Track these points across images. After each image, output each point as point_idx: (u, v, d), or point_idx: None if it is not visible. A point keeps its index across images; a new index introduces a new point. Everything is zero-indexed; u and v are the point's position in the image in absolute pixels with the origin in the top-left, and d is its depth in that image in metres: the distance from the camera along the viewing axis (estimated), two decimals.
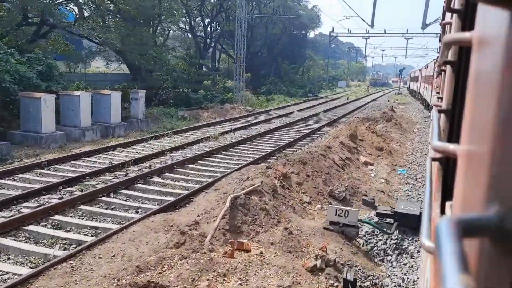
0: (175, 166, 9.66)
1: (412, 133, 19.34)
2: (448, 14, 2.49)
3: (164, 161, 10.40)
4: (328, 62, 54.84)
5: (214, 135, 14.42)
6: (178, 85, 35.56)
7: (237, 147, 12.98)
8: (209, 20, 45.78)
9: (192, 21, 47.54)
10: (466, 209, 0.65)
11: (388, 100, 40.54)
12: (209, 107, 23.77)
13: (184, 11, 42.73)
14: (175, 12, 46.81)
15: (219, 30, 50.85)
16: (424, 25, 21.78)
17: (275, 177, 7.63)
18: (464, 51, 1.57)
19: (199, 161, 10.62)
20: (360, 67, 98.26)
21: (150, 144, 12.96)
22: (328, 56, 54.29)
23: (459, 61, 1.69)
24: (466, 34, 0.90)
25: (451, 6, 1.95)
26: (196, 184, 8.78)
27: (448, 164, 1.60)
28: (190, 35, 46.12)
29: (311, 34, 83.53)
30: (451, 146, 1.01)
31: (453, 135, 1.62)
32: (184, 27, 49.12)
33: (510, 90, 0.40)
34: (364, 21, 23.06)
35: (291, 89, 40.97)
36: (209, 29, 47.27)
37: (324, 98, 41.91)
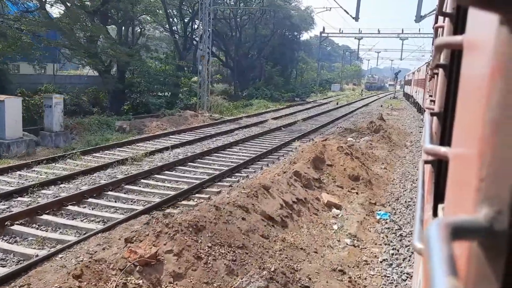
0: (8, 223, 5.91)
1: (403, 149, 15.64)
2: (440, 18, 2.37)
3: (7, 210, 6.67)
4: (319, 64, 51.18)
5: (137, 156, 10.69)
6: (152, 88, 31.94)
7: (153, 176, 9.22)
8: (189, 17, 41.97)
9: (178, 20, 43.87)
10: (457, 212, 0.65)
11: (381, 106, 36.92)
12: (167, 114, 20.06)
13: (162, 8, 39.36)
14: (158, 11, 43.51)
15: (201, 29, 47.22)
16: (419, 18, 18.30)
17: (120, 270, 3.93)
18: (456, 54, 1.55)
19: (67, 207, 6.88)
20: (355, 70, 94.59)
21: (33, 171, 9.19)
22: (319, 58, 50.63)
23: (451, 64, 1.69)
24: (457, 38, 0.91)
25: (443, 10, 2.00)
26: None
27: (440, 166, 1.58)
28: (172, 35, 42.36)
29: (306, 37, 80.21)
30: (442, 149, 1.03)
31: (445, 138, 1.63)
32: (167, 26, 45.46)
33: (497, 93, 0.41)
34: (347, 13, 19.53)
35: (275, 93, 37.26)
36: (190, 28, 43.54)
37: (311, 103, 38.27)
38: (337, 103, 37.31)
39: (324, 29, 49.11)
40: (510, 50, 0.38)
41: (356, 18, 19.98)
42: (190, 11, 41.91)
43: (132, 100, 28.85)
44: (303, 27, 61.18)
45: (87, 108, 24.15)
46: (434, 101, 2.40)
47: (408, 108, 34.78)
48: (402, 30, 45.82)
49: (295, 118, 23.09)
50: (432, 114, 2.02)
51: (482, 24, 0.51)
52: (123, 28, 43.21)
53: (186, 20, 41.79)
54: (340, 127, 19.78)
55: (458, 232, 0.41)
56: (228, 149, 13.04)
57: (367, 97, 51.86)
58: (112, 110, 25.60)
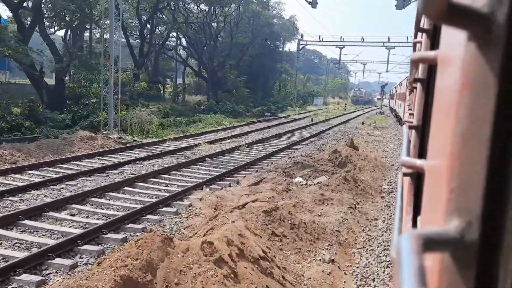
0: None
1: (376, 200, 9.77)
2: (419, 34, 2.48)
3: None
4: (296, 75, 45.47)
5: None
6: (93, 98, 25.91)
7: None
8: (148, 16, 35.97)
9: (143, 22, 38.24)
10: (430, 223, 0.65)
11: (363, 123, 31.26)
12: (52, 136, 14.07)
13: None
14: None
15: (166, 33, 41.32)
16: (401, 3, 12.83)
17: None
18: (433, 68, 1.57)
19: None
20: (341, 83, 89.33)
21: None
22: (297, 68, 44.89)
23: (428, 78, 1.71)
24: (431, 53, 0.91)
25: (420, 25, 2.02)
26: None
27: (419, 179, 1.59)
28: (126, 38, 36.32)
29: (292, 48, 74.82)
30: (418, 161, 1.04)
31: (423, 150, 1.63)
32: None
33: (465, 107, 0.42)
34: None
35: (239, 107, 31.40)
36: (150, 30, 37.64)
37: (282, 119, 32.47)
38: (312, 120, 31.56)
39: (302, 36, 43.67)
40: (476, 65, 0.39)
41: (314, 4, 14.43)
42: (149, 9, 36.02)
43: (73, 112, 23.04)
44: (285, 36, 55.98)
45: (17, 122, 18.28)
46: (413, 115, 2.41)
47: (393, 126, 29.16)
48: (388, 38, 40.62)
49: (242, 141, 17.19)
50: (410, 127, 2.03)
51: (453, 40, 0.52)
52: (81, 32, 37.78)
53: (144, 20, 35.81)
54: (292, 157, 13.88)
55: (429, 243, 0.40)
56: (38, 216, 6.93)
57: (351, 112, 46.28)
58: (49, 123, 19.83)
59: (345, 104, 55.63)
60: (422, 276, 0.37)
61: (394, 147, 18.86)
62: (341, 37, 41.36)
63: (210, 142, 16.07)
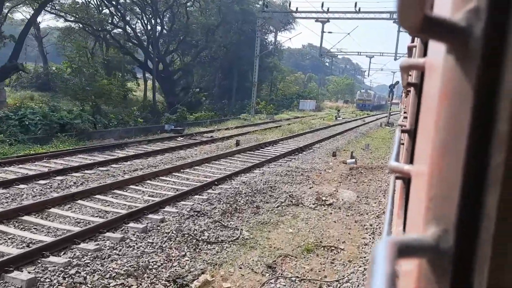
0: None
1: None
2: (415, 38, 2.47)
3: None
4: (257, 65, 29.00)
5: None
6: None
7: None
8: None
9: None
10: (413, 230, 0.65)
11: (334, 154, 14.84)
12: None
13: None
14: None
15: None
16: None
17: None
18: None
19: None
20: (347, 84, 71.82)
21: None
22: (256, 54, 28.45)
23: (421, 83, 1.68)
24: (420, 60, 0.93)
25: None
26: None
27: (410, 183, 1.51)
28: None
29: (286, 40, 58.61)
30: (406, 167, 1.03)
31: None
32: None
33: (444, 117, 0.43)
34: None
35: (74, 116, 15.31)
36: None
37: (180, 140, 16.43)
38: (238, 143, 15.38)
39: (266, 5, 27.39)
40: (454, 77, 0.39)
41: None
42: None
43: None
44: (274, 23, 39.87)
45: None
46: (407, 118, 2.37)
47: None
48: None
49: None
50: (403, 131, 2.01)
51: (436, 50, 0.53)
52: None
53: None
54: None
55: (404, 250, 0.39)
56: None
57: (341, 123, 29.52)
58: None
59: (338, 111, 38.75)
60: (392, 283, 0.36)
61: None
62: (322, 4, 24.87)
63: None
